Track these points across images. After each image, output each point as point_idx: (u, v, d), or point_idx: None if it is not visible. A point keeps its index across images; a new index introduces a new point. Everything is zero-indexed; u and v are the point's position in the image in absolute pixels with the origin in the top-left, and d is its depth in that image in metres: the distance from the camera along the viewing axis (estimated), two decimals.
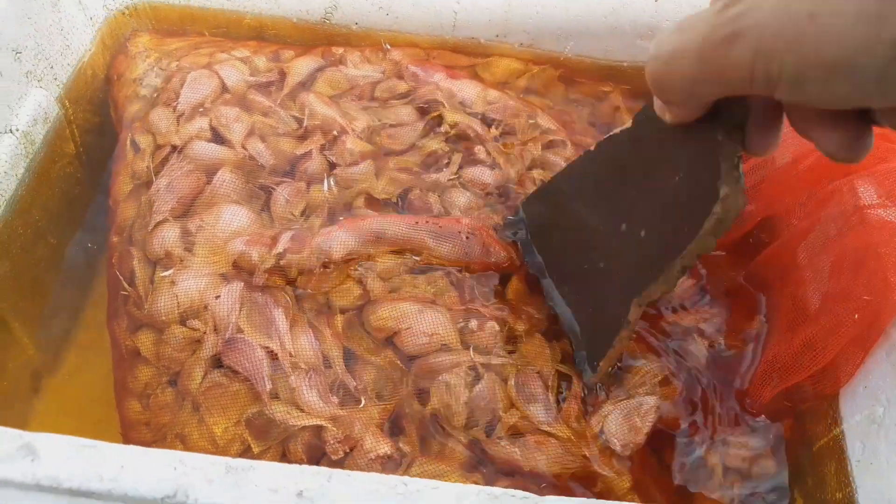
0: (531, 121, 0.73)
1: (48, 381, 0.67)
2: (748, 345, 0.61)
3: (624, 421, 0.54)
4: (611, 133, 0.48)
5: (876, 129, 0.33)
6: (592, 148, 0.52)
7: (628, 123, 0.47)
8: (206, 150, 0.66)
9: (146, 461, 0.39)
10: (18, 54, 0.66)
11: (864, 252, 0.54)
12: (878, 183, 0.58)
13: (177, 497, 0.38)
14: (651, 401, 0.55)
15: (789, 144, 0.63)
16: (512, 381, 0.55)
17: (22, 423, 0.61)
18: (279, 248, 0.59)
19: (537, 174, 0.68)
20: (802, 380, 0.56)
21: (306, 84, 0.74)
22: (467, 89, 0.75)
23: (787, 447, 0.58)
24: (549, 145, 0.72)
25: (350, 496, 0.39)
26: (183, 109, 0.69)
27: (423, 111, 0.72)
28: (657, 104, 0.39)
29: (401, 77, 0.76)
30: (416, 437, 0.53)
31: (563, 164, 0.67)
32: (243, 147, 0.67)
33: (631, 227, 0.46)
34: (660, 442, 0.56)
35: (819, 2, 0.27)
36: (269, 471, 0.39)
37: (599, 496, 0.52)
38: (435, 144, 0.69)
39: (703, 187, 0.39)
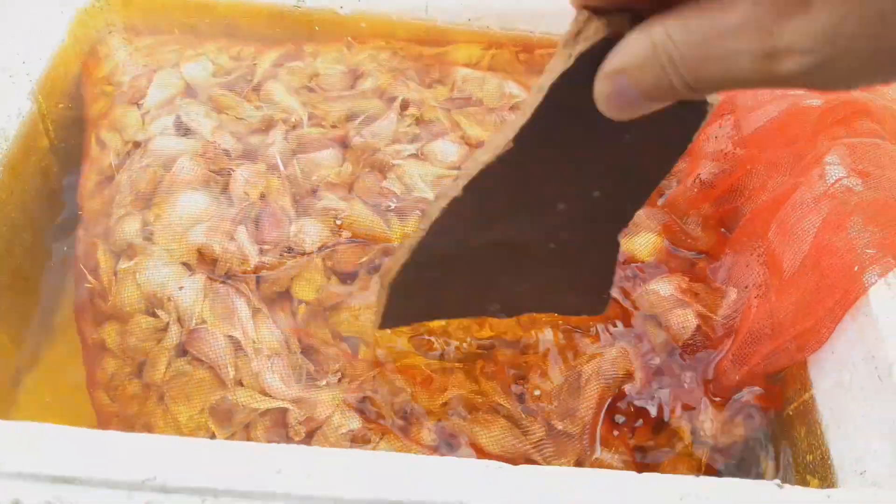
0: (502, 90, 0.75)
1: (28, 375, 0.67)
2: (718, 331, 0.61)
3: (567, 395, 0.55)
4: (469, 175, 0.42)
5: None
6: (458, 195, 0.44)
7: (484, 157, 0.41)
8: (167, 143, 0.67)
9: (124, 445, 0.40)
10: None
11: (835, 226, 0.55)
12: (849, 154, 0.59)
13: (157, 479, 0.39)
14: (589, 368, 0.56)
15: (781, 98, 0.64)
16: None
17: (3, 417, 0.61)
18: (245, 245, 0.60)
19: None
20: (779, 346, 0.57)
21: (273, 76, 0.76)
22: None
23: (759, 412, 0.59)
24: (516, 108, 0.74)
25: (327, 472, 0.40)
26: (149, 107, 0.71)
27: (391, 101, 0.74)
28: (615, 101, 0.33)
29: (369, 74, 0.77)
30: (388, 416, 0.54)
31: None
32: (212, 139, 0.68)
33: (574, 200, 0.46)
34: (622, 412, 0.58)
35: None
36: (247, 450, 0.40)
37: None
38: (402, 128, 0.71)
39: (679, 113, 0.38)
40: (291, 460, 0.40)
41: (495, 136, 0.41)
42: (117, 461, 0.39)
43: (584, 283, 0.55)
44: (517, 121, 0.39)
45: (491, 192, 0.43)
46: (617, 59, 0.30)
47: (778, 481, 0.42)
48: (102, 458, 0.39)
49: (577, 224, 0.47)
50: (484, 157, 0.41)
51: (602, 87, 0.31)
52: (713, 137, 0.66)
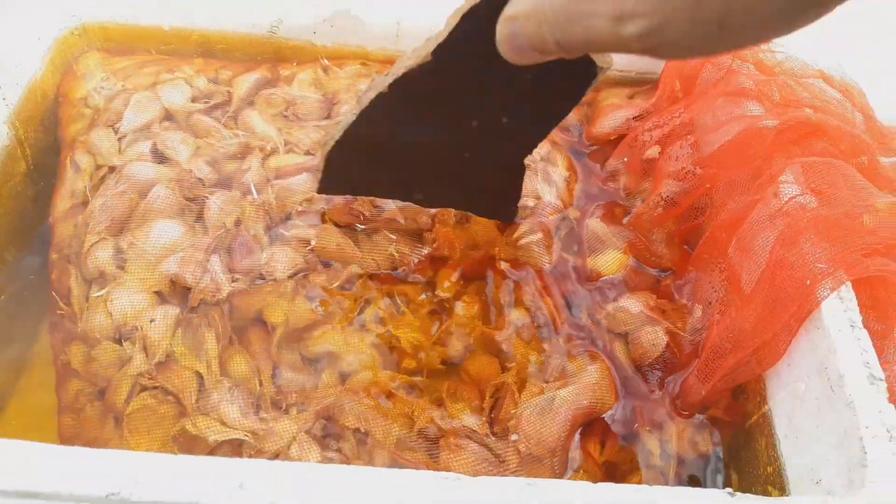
0: None
1: (12, 399, 0.68)
2: (685, 347, 0.63)
3: (537, 419, 0.56)
4: (395, 75, 0.49)
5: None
6: (384, 91, 0.51)
7: (409, 62, 0.48)
8: (142, 170, 0.68)
9: (89, 461, 0.40)
10: None
11: (789, 242, 0.57)
12: (803, 172, 0.61)
13: (121, 494, 0.39)
14: (564, 393, 0.57)
15: (738, 120, 0.66)
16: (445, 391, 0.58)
17: None
18: (218, 275, 0.61)
19: None
20: (740, 360, 0.58)
21: (250, 102, 0.77)
22: None
23: (723, 426, 0.60)
24: None
25: (290, 486, 0.40)
26: (125, 132, 0.71)
27: None
28: (513, 46, 0.36)
29: (344, 102, 0.78)
30: (352, 440, 0.55)
31: None
32: (188, 167, 0.69)
33: (485, 121, 0.52)
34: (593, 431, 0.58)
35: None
36: (211, 465, 0.41)
37: None
38: None
39: (573, 69, 0.45)
40: (254, 475, 0.41)
41: (420, 46, 0.47)
42: (82, 476, 0.40)
43: (495, 192, 0.62)
44: (438, 37, 0.45)
45: (414, 95, 0.50)
46: (513, 6, 0.34)
47: (730, 490, 0.43)
48: (67, 473, 0.40)
49: (487, 142, 0.54)
50: (409, 62, 0.48)
51: (500, 28, 0.34)
52: (674, 157, 0.67)
